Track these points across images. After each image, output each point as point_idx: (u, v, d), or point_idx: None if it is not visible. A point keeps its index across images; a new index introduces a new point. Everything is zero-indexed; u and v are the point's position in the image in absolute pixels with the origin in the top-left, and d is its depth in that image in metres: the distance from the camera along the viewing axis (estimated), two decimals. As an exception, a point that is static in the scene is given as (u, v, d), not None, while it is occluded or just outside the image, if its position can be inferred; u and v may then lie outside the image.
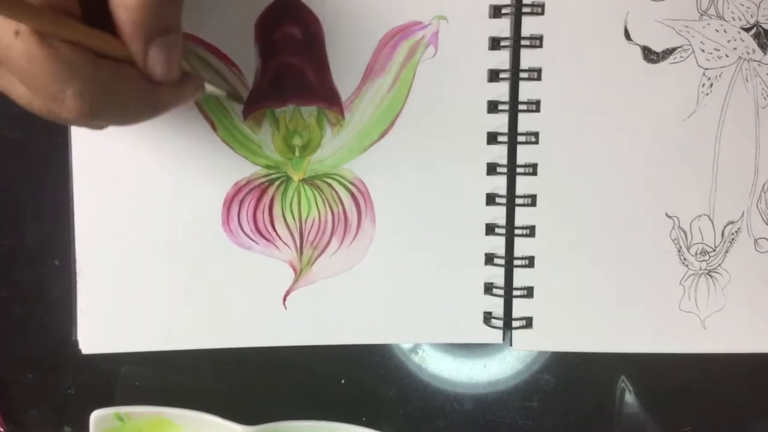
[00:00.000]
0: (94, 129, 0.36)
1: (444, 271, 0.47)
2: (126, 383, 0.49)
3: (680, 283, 0.47)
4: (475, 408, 0.49)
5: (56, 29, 0.30)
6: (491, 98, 0.46)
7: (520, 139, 0.46)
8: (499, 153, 0.47)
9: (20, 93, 0.32)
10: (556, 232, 0.47)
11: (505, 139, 0.46)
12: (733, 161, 0.46)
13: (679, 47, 0.46)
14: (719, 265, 0.47)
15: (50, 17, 0.30)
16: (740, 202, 0.47)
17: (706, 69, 0.46)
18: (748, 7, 0.45)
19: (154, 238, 0.47)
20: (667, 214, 0.47)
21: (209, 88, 0.41)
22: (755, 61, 0.46)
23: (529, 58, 0.46)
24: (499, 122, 0.46)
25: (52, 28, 0.30)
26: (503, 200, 0.47)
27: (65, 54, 0.30)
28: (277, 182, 0.47)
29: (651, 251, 0.47)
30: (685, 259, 0.47)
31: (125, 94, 0.33)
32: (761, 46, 0.46)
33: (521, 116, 0.46)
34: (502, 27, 0.46)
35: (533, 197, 0.47)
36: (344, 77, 0.46)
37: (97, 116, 0.32)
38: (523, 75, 0.46)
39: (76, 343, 0.47)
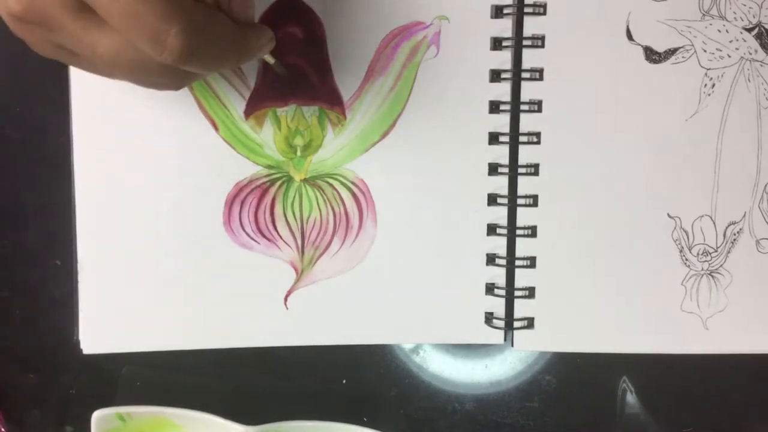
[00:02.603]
0: (172, 86, 0.36)
1: (445, 272, 0.47)
2: (127, 383, 0.49)
3: (682, 284, 0.47)
4: (476, 408, 0.49)
5: None
6: (493, 98, 0.46)
7: (522, 139, 0.46)
8: (500, 153, 0.47)
9: (108, 44, 0.32)
10: (557, 233, 0.47)
11: (506, 139, 0.46)
12: (735, 161, 0.46)
13: (681, 47, 0.46)
14: (721, 265, 0.47)
15: None
16: (742, 203, 0.47)
17: (708, 69, 0.46)
18: (750, 8, 0.45)
19: (156, 238, 0.47)
20: (668, 215, 0.47)
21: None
22: (757, 61, 0.46)
23: (530, 59, 0.46)
24: (501, 122, 0.46)
25: None
26: (505, 200, 0.47)
27: None
28: (279, 182, 0.47)
29: (652, 251, 0.47)
30: (686, 259, 0.47)
31: (219, 35, 0.33)
32: (763, 46, 0.46)
33: (523, 116, 0.46)
34: (504, 27, 0.46)
35: (535, 197, 0.47)
36: (346, 77, 0.46)
37: (193, 58, 0.32)
38: (524, 75, 0.46)
39: (77, 343, 0.47)
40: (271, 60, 0.43)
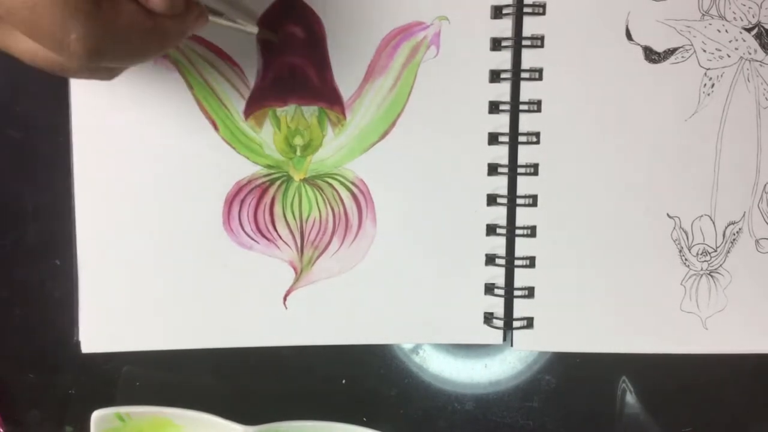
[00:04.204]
0: (100, 77, 0.36)
1: (445, 272, 0.47)
2: (127, 383, 0.49)
3: (681, 284, 0.47)
4: (476, 408, 0.49)
5: None
6: (492, 98, 0.46)
7: (521, 139, 0.46)
8: (500, 153, 0.47)
9: (24, 48, 0.33)
10: (556, 233, 0.47)
11: (506, 139, 0.46)
12: (735, 161, 0.46)
13: (681, 47, 0.46)
14: (720, 265, 0.47)
15: None
16: (742, 203, 0.47)
17: (708, 69, 0.46)
18: (749, 8, 0.45)
19: (156, 238, 0.47)
20: (668, 215, 0.47)
21: (215, 19, 0.40)
22: (757, 61, 0.46)
23: (530, 59, 0.46)
24: (501, 122, 0.46)
25: None
26: (504, 200, 0.47)
27: None
28: (278, 182, 0.47)
29: (652, 251, 0.47)
30: (686, 259, 0.47)
31: (129, 30, 0.32)
32: (763, 46, 0.46)
33: (522, 116, 0.46)
34: (504, 27, 0.46)
35: (534, 197, 0.47)
36: (346, 77, 0.46)
37: (103, 57, 0.32)
38: (524, 75, 0.46)
39: (77, 343, 0.47)
40: (254, 30, 0.42)
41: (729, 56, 0.46)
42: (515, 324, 0.47)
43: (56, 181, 0.47)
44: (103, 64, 0.33)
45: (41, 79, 0.47)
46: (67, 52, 0.31)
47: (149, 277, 0.47)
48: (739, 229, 0.47)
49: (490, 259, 0.47)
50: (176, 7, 0.34)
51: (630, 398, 0.49)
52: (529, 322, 0.47)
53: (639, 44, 0.46)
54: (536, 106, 0.46)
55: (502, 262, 0.47)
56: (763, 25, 0.45)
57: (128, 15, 0.32)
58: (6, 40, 0.33)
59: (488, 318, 0.48)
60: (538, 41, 0.45)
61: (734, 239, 0.47)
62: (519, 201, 0.47)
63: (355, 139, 0.46)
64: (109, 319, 0.47)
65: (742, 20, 0.45)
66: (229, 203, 0.47)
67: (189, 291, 0.47)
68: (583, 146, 0.46)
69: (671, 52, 0.46)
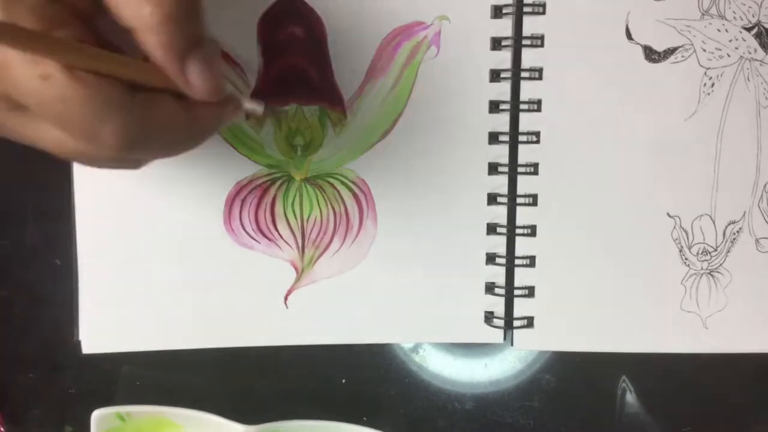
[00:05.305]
0: (128, 167, 0.34)
1: (445, 271, 0.47)
2: (127, 383, 0.49)
3: (681, 283, 0.47)
4: (476, 408, 0.49)
5: (90, 63, 0.28)
6: (493, 98, 0.46)
7: (522, 138, 0.46)
8: (500, 152, 0.47)
9: (50, 138, 0.30)
10: (557, 232, 0.47)
11: (506, 138, 0.46)
12: (735, 161, 0.46)
13: (681, 47, 0.46)
14: (721, 264, 0.47)
15: (85, 51, 0.28)
16: (742, 202, 0.47)
17: (708, 68, 0.46)
18: (749, 7, 0.45)
19: (156, 238, 0.47)
20: (668, 214, 0.47)
21: (248, 105, 0.38)
22: (757, 60, 0.46)
23: (530, 58, 0.46)
24: (501, 122, 0.46)
25: (86, 61, 0.28)
26: (504, 200, 0.47)
27: (102, 90, 0.28)
28: (279, 181, 0.47)
29: (652, 251, 0.47)
30: (686, 258, 0.47)
31: (164, 124, 0.31)
32: (763, 45, 0.46)
33: (522, 116, 0.46)
34: (504, 27, 0.46)
35: (534, 197, 0.47)
36: (346, 77, 0.46)
37: (135, 150, 0.30)
38: (524, 74, 0.46)
39: (77, 342, 0.47)
40: (258, 111, 0.39)
41: (729, 56, 0.46)
42: (515, 323, 0.48)
43: (56, 181, 0.47)
44: (134, 156, 0.32)
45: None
46: (98, 145, 0.29)
47: (150, 277, 0.47)
48: (740, 228, 0.47)
49: (491, 258, 0.47)
50: (218, 91, 0.32)
51: (630, 398, 0.49)
52: (530, 322, 0.48)
53: (639, 44, 0.46)
54: (536, 105, 0.46)
55: (503, 261, 0.47)
56: (763, 24, 0.46)
57: (164, 108, 0.31)
58: (29, 131, 0.31)
59: (488, 317, 0.48)
60: (538, 41, 0.46)
61: (734, 238, 0.47)
62: (519, 200, 0.47)
63: (356, 138, 0.46)
64: (110, 320, 0.47)
65: (742, 19, 0.45)
66: (230, 203, 0.47)
67: (189, 291, 0.47)
68: (583, 145, 0.46)
69: (671, 51, 0.46)
